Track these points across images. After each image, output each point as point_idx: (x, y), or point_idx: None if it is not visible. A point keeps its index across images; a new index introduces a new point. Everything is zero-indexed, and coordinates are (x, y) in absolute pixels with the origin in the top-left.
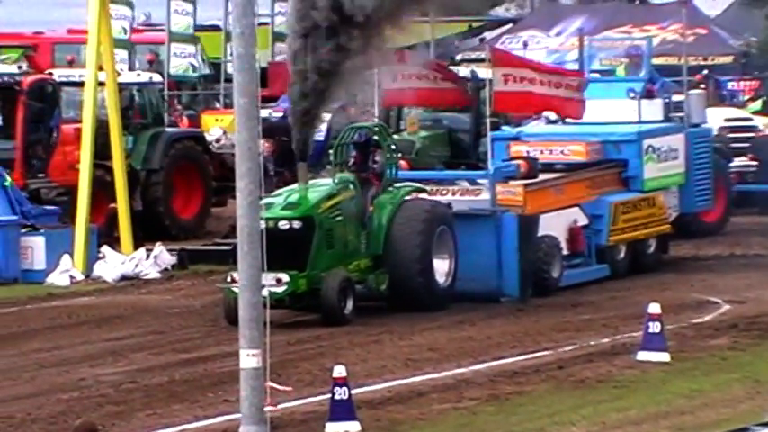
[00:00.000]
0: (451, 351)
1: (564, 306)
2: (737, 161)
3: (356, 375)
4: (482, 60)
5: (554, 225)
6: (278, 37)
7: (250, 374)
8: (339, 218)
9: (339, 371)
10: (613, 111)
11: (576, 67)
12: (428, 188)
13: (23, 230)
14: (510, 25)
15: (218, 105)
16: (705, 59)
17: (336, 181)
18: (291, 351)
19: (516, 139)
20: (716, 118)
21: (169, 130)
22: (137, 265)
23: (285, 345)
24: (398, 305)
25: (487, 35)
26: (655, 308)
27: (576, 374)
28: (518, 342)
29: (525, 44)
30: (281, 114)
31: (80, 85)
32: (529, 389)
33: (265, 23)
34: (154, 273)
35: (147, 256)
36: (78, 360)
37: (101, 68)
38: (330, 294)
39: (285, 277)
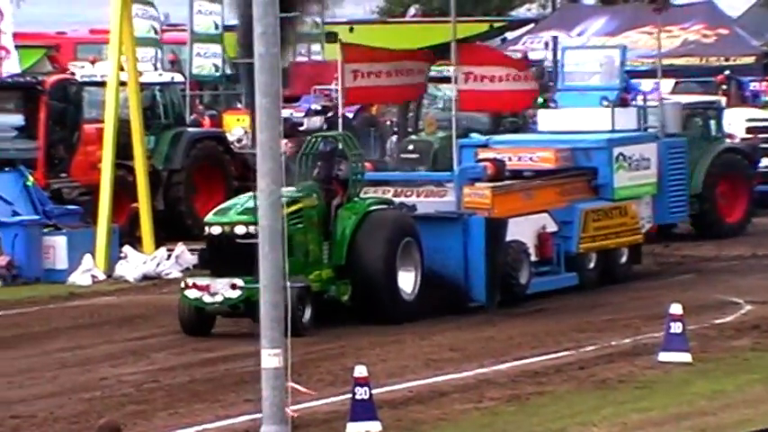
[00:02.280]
0: (473, 351)
1: (585, 306)
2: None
3: (377, 375)
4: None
5: (522, 230)
6: (300, 37)
7: (271, 374)
8: (299, 225)
9: (360, 371)
10: (587, 119)
11: None
12: (393, 189)
13: (45, 230)
14: (531, 25)
15: (239, 105)
16: (727, 60)
17: (299, 188)
18: (312, 351)
19: (485, 146)
20: (738, 119)
21: (191, 130)
22: (158, 265)
23: (306, 345)
24: (361, 316)
25: (509, 35)
26: (676, 308)
27: (598, 375)
28: (539, 342)
29: (546, 44)
30: (302, 114)
31: (102, 84)
32: (550, 389)
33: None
34: (175, 272)
35: (169, 256)
36: (100, 359)
37: (122, 68)
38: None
39: (240, 282)
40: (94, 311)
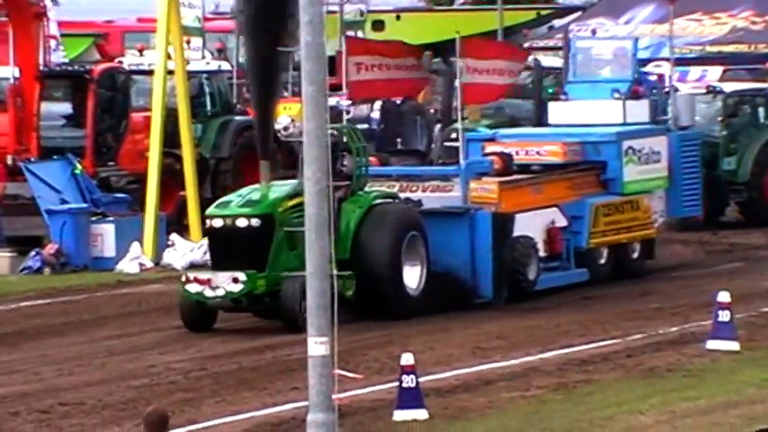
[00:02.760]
0: (519, 339)
1: (632, 295)
2: None
3: (424, 363)
4: (551, 48)
5: (531, 225)
6: (347, 25)
7: (318, 362)
8: (302, 218)
9: (407, 359)
10: (597, 112)
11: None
12: (398, 184)
13: (93, 218)
14: (579, 13)
15: (286, 94)
16: None
17: (301, 181)
18: (359, 339)
19: (492, 139)
20: None
21: (238, 118)
22: (205, 253)
23: (352, 333)
24: (366, 312)
25: (556, 23)
26: (724, 296)
27: (645, 363)
28: (586, 330)
29: (594, 32)
30: (349, 102)
31: (150, 73)
32: (597, 377)
33: (334, 12)
34: None
35: None
36: (148, 347)
37: (169, 57)
38: (290, 296)
39: (242, 276)
40: (142, 299)
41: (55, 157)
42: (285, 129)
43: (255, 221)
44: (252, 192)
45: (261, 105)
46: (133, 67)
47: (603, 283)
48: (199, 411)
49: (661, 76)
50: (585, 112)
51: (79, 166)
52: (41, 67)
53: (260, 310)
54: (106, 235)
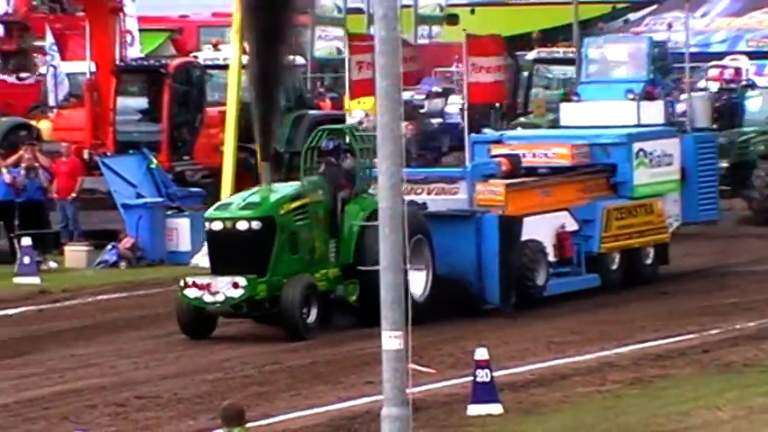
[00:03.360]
0: (594, 334)
1: (708, 289)
2: None
3: (498, 358)
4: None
5: (539, 229)
6: (421, 20)
7: (392, 356)
8: (304, 221)
9: (481, 353)
10: (610, 113)
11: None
12: (402, 186)
13: (169, 212)
14: (654, 6)
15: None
16: None
17: (304, 183)
18: (431, 334)
19: (498, 141)
20: None
21: (312, 112)
22: None
23: (425, 327)
24: (369, 318)
25: (631, 16)
26: None
27: (722, 358)
28: (662, 325)
29: (670, 25)
30: (423, 96)
31: (225, 68)
32: (673, 372)
33: (408, 6)
34: None
35: None
36: (222, 341)
37: (245, 51)
38: (291, 301)
39: (242, 281)
40: None
41: (131, 151)
42: (359, 123)
43: (256, 224)
44: (253, 194)
45: (262, 105)
46: (208, 62)
47: (679, 278)
48: (273, 405)
49: (738, 70)
50: (598, 114)
51: (155, 161)
52: (118, 62)
53: (260, 317)
54: (181, 229)
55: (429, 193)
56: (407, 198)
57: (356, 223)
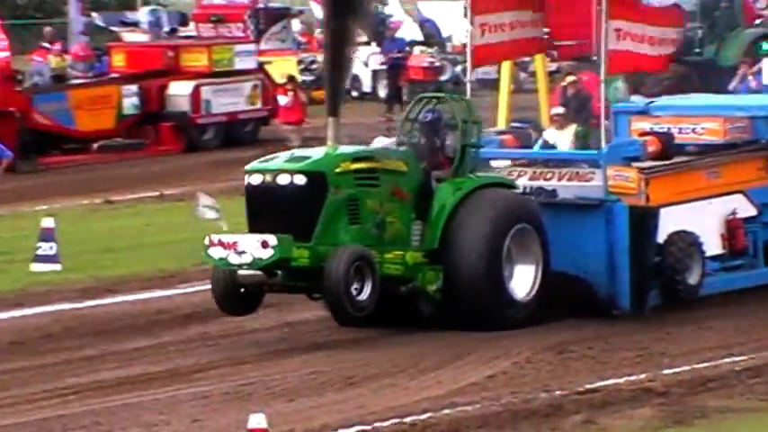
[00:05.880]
0: None
1: None
2: None
3: None
4: None
5: (696, 218)
6: None
7: None
8: (371, 188)
9: None
10: None
11: None
12: (530, 171)
13: None
14: None
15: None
16: None
17: (382, 147)
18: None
19: (643, 112)
20: None
21: None
22: None
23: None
24: (454, 316)
25: None
26: None
27: None
28: None
29: None
30: None
31: None
32: None
33: None
34: None
35: None
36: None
37: None
38: (337, 271)
39: (272, 240)
40: None
41: None
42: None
43: (300, 179)
44: (312, 150)
45: (333, 57)
46: None
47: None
48: None
49: None
50: None
51: None
52: None
53: (300, 289)
54: None
55: (560, 179)
56: (535, 184)
57: (449, 202)
